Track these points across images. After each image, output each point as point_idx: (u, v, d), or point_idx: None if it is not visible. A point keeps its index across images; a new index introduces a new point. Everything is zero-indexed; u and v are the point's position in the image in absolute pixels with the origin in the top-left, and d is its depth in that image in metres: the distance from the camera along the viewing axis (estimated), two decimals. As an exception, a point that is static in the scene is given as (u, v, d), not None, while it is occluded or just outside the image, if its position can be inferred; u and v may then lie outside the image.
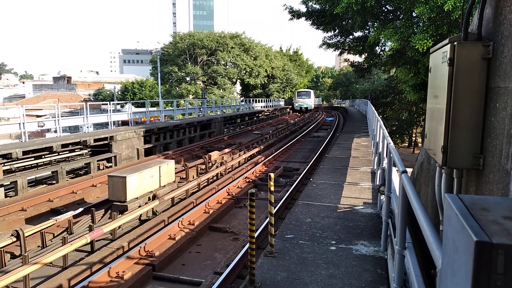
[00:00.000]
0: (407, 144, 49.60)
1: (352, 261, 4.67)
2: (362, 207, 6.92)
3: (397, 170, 8.06)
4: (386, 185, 5.06)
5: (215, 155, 15.12)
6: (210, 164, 14.33)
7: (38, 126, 17.10)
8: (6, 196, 11.02)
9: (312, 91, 58.74)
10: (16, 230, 6.90)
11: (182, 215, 8.94)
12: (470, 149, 3.38)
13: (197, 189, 11.47)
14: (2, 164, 11.36)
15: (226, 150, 17.08)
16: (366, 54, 23.95)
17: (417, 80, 17.41)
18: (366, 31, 20.90)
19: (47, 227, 7.70)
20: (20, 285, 5.94)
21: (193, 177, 12.51)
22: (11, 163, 11.94)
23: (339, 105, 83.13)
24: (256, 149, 17.65)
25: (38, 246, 7.30)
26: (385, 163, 6.78)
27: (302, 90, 59.01)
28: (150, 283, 6.18)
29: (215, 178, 12.94)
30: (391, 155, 4.88)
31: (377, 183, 8.02)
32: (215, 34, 49.52)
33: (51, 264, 6.44)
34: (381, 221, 5.67)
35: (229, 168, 14.12)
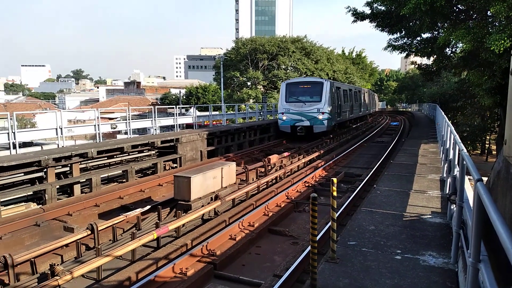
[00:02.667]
0: (479, 152, 46.27)
1: (419, 272, 4.45)
2: (430, 216, 6.57)
3: (469, 179, 7.57)
4: (458, 193, 4.77)
5: (274, 158, 15.18)
6: (270, 167, 14.42)
7: (111, 128, 18.30)
8: (82, 192, 11.90)
9: (328, 83, 23.89)
10: (90, 224, 7.41)
11: (242, 216, 9.08)
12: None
13: (256, 191, 11.58)
14: (79, 163, 12.29)
15: (285, 154, 17.08)
16: (434, 56, 22.80)
17: (492, 83, 16.25)
18: (435, 32, 19.92)
19: (117, 223, 8.19)
20: (93, 275, 6.38)
21: (253, 180, 12.65)
22: (87, 161, 12.88)
23: (404, 109, 79.72)
24: (316, 154, 17.45)
25: (110, 240, 7.78)
26: (456, 171, 6.40)
27: (302, 80, 25.92)
28: (211, 281, 6.33)
29: (274, 181, 12.99)
30: (464, 162, 4.60)
31: (447, 191, 7.58)
32: (276, 38, 49.82)
33: (120, 257, 6.83)
34: (451, 232, 5.36)
35: (288, 172, 14.10)
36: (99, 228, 7.52)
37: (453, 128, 8.89)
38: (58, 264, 6.11)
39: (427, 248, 5.16)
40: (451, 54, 21.57)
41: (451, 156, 7.73)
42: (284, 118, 23.39)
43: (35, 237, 8.31)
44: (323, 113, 22.77)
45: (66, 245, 7.24)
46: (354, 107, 32.93)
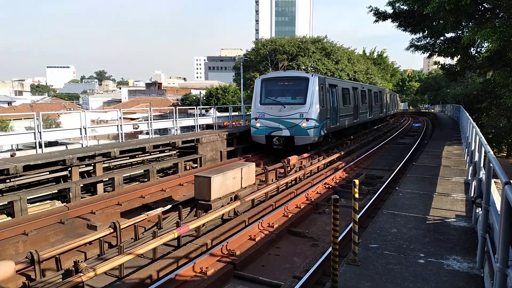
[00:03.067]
0: (505, 154, 44.96)
1: (443, 277, 4.35)
2: (454, 219, 6.43)
3: (495, 182, 7.36)
4: (484, 197, 4.65)
5: (293, 159, 15.12)
6: (289, 168, 14.37)
7: (133, 129, 18.60)
8: (105, 191, 12.13)
9: (316, 79, 17.62)
10: (113, 222, 7.55)
11: (262, 217, 9.08)
12: None
13: (276, 192, 11.57)
14: (102, 162, 12.54)
15: (305, 155, 16.98)
16: (458, 56, 22.27)
17: (519, 84, 15.76)
18: (459, 32, 19.46)
19: (139, 221, 8.31)
20: (116, 272, 6.49)
21: (272, 180, 12.64)
22: (109, 161, 13.13)
23: (427, 110, 78.20)
24: (336, 155, 17.30)
25: (132, 238, 7.91)
26: (482, 173, 6.25)
27: (281, 75, 19.67)
28: (231, 281, 6.36)
29: (293, 182, 12.94)
30: (491, 165, 4.47)
31: (472, 194, 7.40)
32: (296, 39, 49.62)
33: (142, 256, 6.92)
34: (476, 236, 5.23)
35: (308, 173, 14.02)
36: (122, 227, 7.65)
37: (478, 129, 8.68)
38: (81, 261, 6.26)
39: (451, 252, 5.05)
40: (476, 54, 21.04)
41: (476, 159, 7.55)
42: (258, 125, 17.81)
43: (59, 234, 8.52)
44: (307, 119, 16.82)
45: (90, 243, 7.40)
46: (363, 109, 26.73)
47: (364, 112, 27.53)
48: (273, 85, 18.42)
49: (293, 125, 17.07)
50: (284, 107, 17.34)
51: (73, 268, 5.84)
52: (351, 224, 5.98)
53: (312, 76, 17.85)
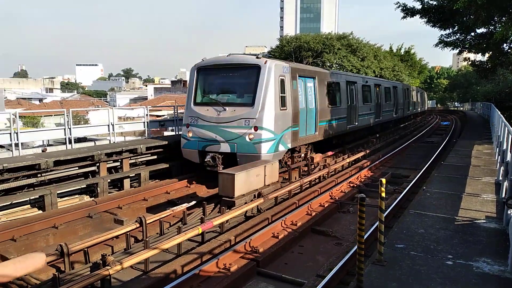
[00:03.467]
0: (539, 154, 43.20)
1: (472, 279, 4.23)
2: (484, 221, 6.23)
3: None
4: (517, 198, 4.48)
5: (317, 157, 15.00)
6: (313, 166, 14.27)
7: (159, 125, 18.90)
8: (131, 186, 12.38)
9: (272, 67, 11.75)
10: (139, 217, 7.70)
11: (285, 214, 9.06)
12: None
13: (299, 190, 11.50)
14: (129, 158, 12.79)
15: (329, 153, 16.83)
16: (490, 53, 21.56)
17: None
18: (491, 27, 18.82)
19: (164, 217, 8.44)
20: (141, 266, 6.62)
21: (295, 178, 12.59)
22: (136, 157, 13.37)
23: (455, 108, 76.10)
24: (361, 153, 17.06)
25: (157, 233, 8.04)
26: (514, 174, 6.03)
27: (222, 62, 12.61)
28: (254, 278, 6.38)
29: (317, 180, 12.84)
30: (525, 165, 4.31)
31: (503, 195, 7.16)
32: (321, 36, 49.15)
33: (167, 251, 7.02)
34: (508, 238, 5.06)
35: (332, 172, 13.89)
36: (147, 222, 7.79)
37: (510, 128, 8.38)
38: (109, 255, 6.41)
39: (481, 254, 4.90)
40: (509, 50, 20.29)
41: (508, 158, 7.30)
42: (190, 135, 12.20)
43: (87, 228, 8.76)
44: (256, 128, 11.36)
45: (117, 237, 7.57)
46: (366, 110, 21.14)
47: (369, 114, 21.95)
48: (212, 77, 12.91)
49: (234, 137, 11.53)
50: (225, 109, 11.78)
51: (101, 261, 5.98)
52: (376, 224, 5.89)
53: (265, 62, 11.72)
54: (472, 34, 20.29)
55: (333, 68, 44.13)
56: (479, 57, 26.02)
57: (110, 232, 7.34)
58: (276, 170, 11.09)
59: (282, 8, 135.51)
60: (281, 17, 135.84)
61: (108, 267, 5.64)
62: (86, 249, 6.71)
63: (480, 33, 20.02)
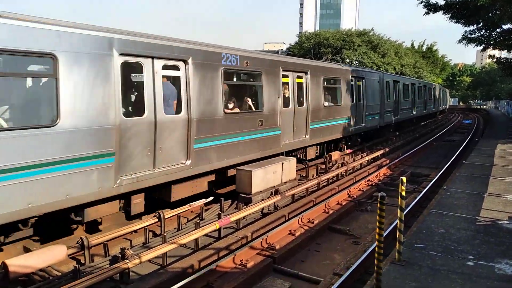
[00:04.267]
0: None
1: (494, 281, 4.13)
2: (507, 222, 6.08)
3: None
4: (543, 199, 4.35)
5: (336, 155, 14.88)
6: (331, 164, 14.16)
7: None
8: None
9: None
10: (158, 212, 7.78)
11: (302, 212, 9.02)
12: None
13: (316, 188, 11.44)
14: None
15: (348, 151, 16.67)
16: (516, 49, 20.96)
17: None
18: (518, 23, 18.29)
19: (182, 212, 8.51)
20: (159, 260, 6.70)
21: (313, 176, 12.51)
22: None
23: (478, 107, 74.33)
24: (381, 151, 16.84)
25: (175, 228, 8.11)
26: (540, 174, 5.85)
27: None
28: (270, 274, 6.38)
29: (335, 178, 12.74)
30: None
31: (528, 196, 6.96)
32: (341, 32, 48.71)
33: (184, 245, 7.08)
34: (533, 240, 4.92)
35: (350, 170, 13.75)
36: (166, 217, 7.87)
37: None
38: (128, 248, 6.50)
39: (503, 256, 4.78)
40: (536, 47, 19.71)
41: (534, 158, 7.08)
42: None
43: (107, 221, 8.90)
44: None
45: (135, 231, 7.67)
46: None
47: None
48: None
49: None
50: None
51: (120, 255, 6.07)
52: (395, 223, 5.81)
53: None
54: (498, 30, 19.77)
55: (352, 64, 43.57)
56: (504, 54, 25.34)
57: (129, 226, 7.45)
58: (293, 168, 11.05)
59: (301, 4, 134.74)
60: (301, 13, 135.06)
61: (127, 261, 5.73)
62: (105, 242, 6.83)
63: (506, 29, 19.49)
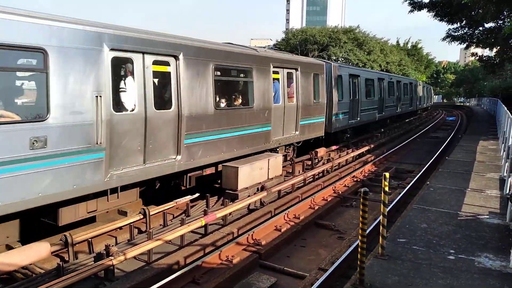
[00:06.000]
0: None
1: (473, 274, 4.24)
2: (487, 216, 6.22)
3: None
4: (521, 193, 4.47)
5: (321, 151, 14.97)
6: (317, 161, 14.25)
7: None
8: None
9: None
10: (143, 209, 7.73)
11: (288, 208, 9.08)
12: None
13: (302, 184, 11.51)
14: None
15: (333, 147, 16.80)
16: (498, 48, 21.39)
17: None
18: (500, 22, 18.64)
19: (168, 208, 8.47)
20: (144, 257, 6.67)
21: (299, 172, 12.58)
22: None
23: (462, 104, 75.62)
24: (366, 148, 17.01)
25: (160, 225, 8.07)
26: (519, 170, 6.00)
27: None
28: (256, 270, 6.41)
29: (321, 174, 12.83)
30: (529, 160, 4.29)
31: (507, 191, 7.13)
32: (328, 29, 48.90)
33: (170, 242, 7.06)
34: (511, 234, 5.05)
35: (335, 166, 13.86)
36: (151, 213, 7.83)
37: (517, 124, 8.32)
38: (112, 245, 6.45)
39: (483, 250, 4.90)
40: (517, 45, 20.14)
41: (514, 154, 7.25)
42: None
43: (92, 218, 8.81)
44: None
45: (120, 228, 7.61)
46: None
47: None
48: None
49: None
50: None
51: (105, 252, 6.03)
52: (379, 218, 5.89)
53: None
54: (480, 28, 20.16)
55: (339, 61, 43.84)
56: (486, 52, 25.86)
57: (114, 223, 7.38)
58: (279, 164, 11.10)
59: (288, 1, 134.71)
60: (287, 10, 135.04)
61: (112, 258, 5.69)
62: (90, 239, 6.76)
63: (488, 27, 19.87)
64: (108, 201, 7.23)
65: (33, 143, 5.53)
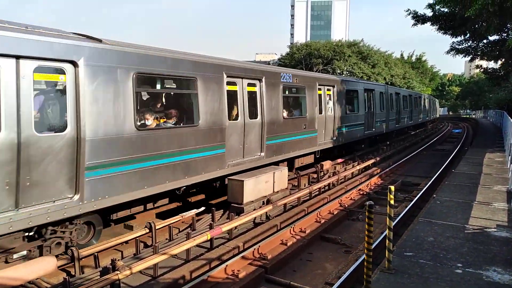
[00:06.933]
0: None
1: (482, 288, 4.19)
2: (495, 229, 6.16)
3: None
4: (528, 206, 4.44)
5: (327, 164, 14.96)
6: (322, 174, 14.23)
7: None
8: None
9: None
10: (149, 223, 7.75)
11: (293, 221, 9.05)
12: None
13: (308, 197, 11.48)
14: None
15: (339, 160, 16.77)
16: (503, 60, 21.39)
17: None
18: (504, 34, 18.69)
19: (173, 222, 8.48)
20: (150, 271, 6.66)
21: (305, 185, 12.54)
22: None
23: (468, 116, 75.33)
24: (372, 161, 16.96)
25: (166, 239, 8.08)
26: (526, 182, 5.97)
27: None
28: (262, 284, 6.37)
29: (326, 187, 12.79)
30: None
31: (515, 204, 7.07)
32: (332, 43, 49.25)
33: (176, 256, 7.05)
34: (520, 248, 5.00)
35: (341, 179, 13.82)
36: (157, 227, 7.84)
37: (523, 136, 8.29)
38: (118, 260, 6.46)
39: (491, 263, 4.85)
40: (522, 57, 20.13)
41: (520, 166, 7.21)
42: None
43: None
44: None
45: (126, 242, 7.62)
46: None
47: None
48: None
49: None
50: None
51: (111, 266, 6.03)
52: (386, 231, 5.86)
53: None
54: (484, 41, 20.18)
55: (343, 75, 44.00)
56: (491, 64, 25.82)
57: (120, 237, 7.40)
58: (285, 177, 11.10)
59: (292, 16, 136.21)
60: (292, 25, 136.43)
61: (118, 272, 5.69)
62: (96, 253, 6.78)
63: (493, 40, 19.90)
64: None
65: None
